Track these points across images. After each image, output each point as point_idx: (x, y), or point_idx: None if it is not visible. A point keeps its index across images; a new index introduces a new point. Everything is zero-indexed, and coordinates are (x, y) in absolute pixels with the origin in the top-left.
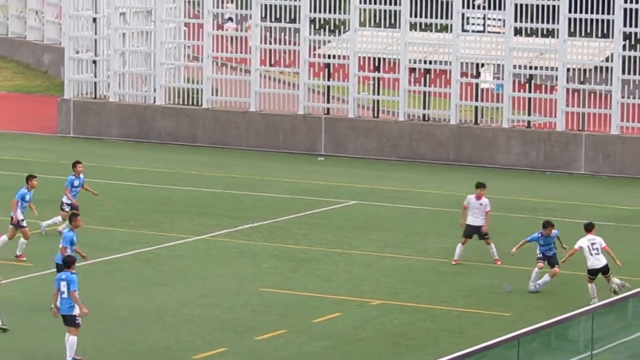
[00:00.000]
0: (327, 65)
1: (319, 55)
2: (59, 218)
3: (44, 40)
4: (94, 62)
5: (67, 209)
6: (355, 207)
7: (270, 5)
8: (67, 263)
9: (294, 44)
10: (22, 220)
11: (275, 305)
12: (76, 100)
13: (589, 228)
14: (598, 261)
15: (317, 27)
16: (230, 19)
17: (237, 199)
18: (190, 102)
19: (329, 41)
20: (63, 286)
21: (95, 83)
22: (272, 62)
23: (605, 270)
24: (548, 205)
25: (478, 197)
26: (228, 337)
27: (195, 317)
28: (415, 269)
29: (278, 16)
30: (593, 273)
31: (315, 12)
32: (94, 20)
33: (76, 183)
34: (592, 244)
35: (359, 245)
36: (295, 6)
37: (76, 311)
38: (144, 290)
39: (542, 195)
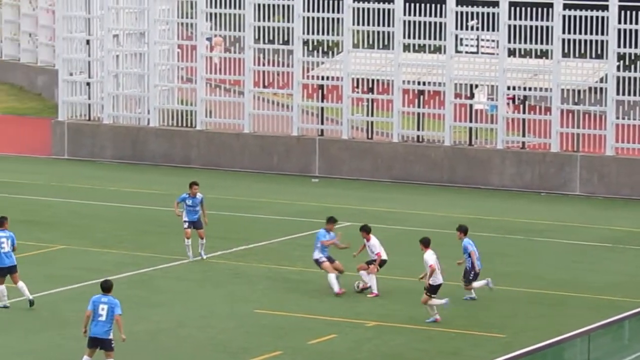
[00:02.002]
0: (321, 87)
1: (313, 76)
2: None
3: (37, 62)
4: (88, 84)
5: (185, 225)
6: (349, 228)
7: (264, 27)
8: (107, 288)
9: (288, 65)
10: None
11: (270, 327)
12: (70, 123)
13: (427, 243)
14: (440, 276)
15: (310, 49)
16: (208, 38)
17: (232, 221)
18: (184, 124)
19: (323, 63)
20: (102, 309)
21: (89, 105)
22: (266, 84)
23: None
24: (542, 227)
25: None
26: (222, 358)
27: (189, 339)
28: (410, 290)
29: (271, 38)
30: (435, 290)
31: (308, 33)
32: (88, 42)
33: (189, 202)
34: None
35: (353, 266)
36: (288, 28)
37: (111, 335)
38: (138, 312)
39: (536, 216)
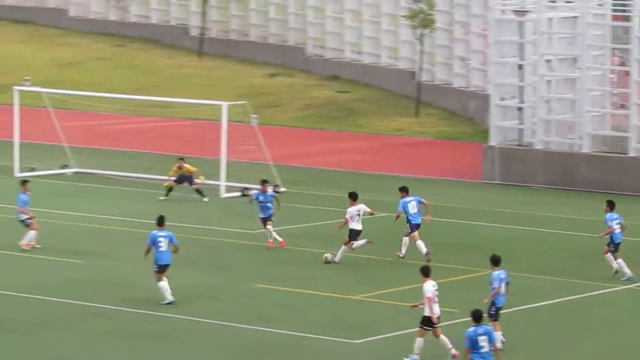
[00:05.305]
0: None
1: None
2: None
3: (469, 87)
4: (519, 109)
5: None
6: None
7: None
8: (480, 318)
9: None
10: None
11: None
12: (501, 148)
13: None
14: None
15: None
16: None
17: None
18: (617, 150)
19: None
20: (482, 341)
21: (520, 130)
22: None
23: None
24: None
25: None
26: None
27: None
28: None
29: None
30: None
31: None
32: (520, 67)
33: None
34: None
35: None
36: None
37: None
38: (563, 338)
39: None
